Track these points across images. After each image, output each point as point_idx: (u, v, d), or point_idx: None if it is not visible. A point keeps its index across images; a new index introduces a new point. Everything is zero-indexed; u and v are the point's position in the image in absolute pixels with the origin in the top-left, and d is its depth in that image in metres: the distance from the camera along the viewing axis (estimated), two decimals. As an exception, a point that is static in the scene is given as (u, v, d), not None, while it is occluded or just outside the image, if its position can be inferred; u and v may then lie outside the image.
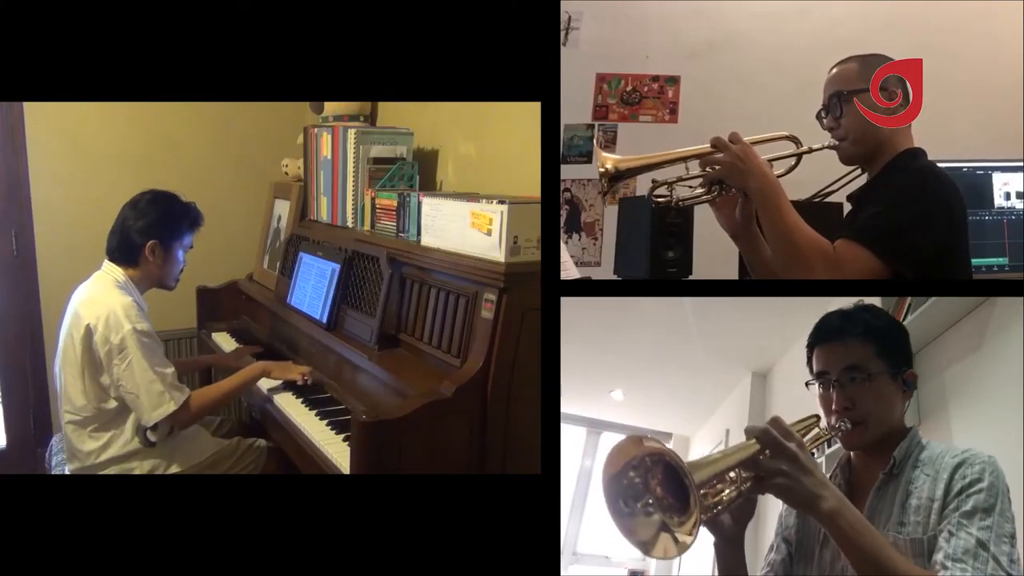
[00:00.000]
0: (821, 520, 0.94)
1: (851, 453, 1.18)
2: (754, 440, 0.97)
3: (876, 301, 1.85)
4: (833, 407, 1.14)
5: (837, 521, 0.92)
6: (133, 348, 1.90)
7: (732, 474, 0.98)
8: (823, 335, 1.17)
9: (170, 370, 1.96)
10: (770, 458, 0.95)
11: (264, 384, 2.21)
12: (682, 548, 0.89)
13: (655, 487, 0.91)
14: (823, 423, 1.18)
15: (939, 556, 0.95)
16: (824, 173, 1.66)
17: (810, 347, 1.19)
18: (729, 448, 0.98)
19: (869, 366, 1.12)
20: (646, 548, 0.92)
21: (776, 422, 0.98)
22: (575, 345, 1.84)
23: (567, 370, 1.49)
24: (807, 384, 1.19)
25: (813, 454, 1.15)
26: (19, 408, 3.08)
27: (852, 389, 1.12)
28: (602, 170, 1.51)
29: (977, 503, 0.97)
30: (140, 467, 2.00)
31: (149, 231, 2.04)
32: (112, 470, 1.99)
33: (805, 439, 1.16)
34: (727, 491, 0.97)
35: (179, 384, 1.97)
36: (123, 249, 2.05)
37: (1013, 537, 0.94)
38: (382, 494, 1.49)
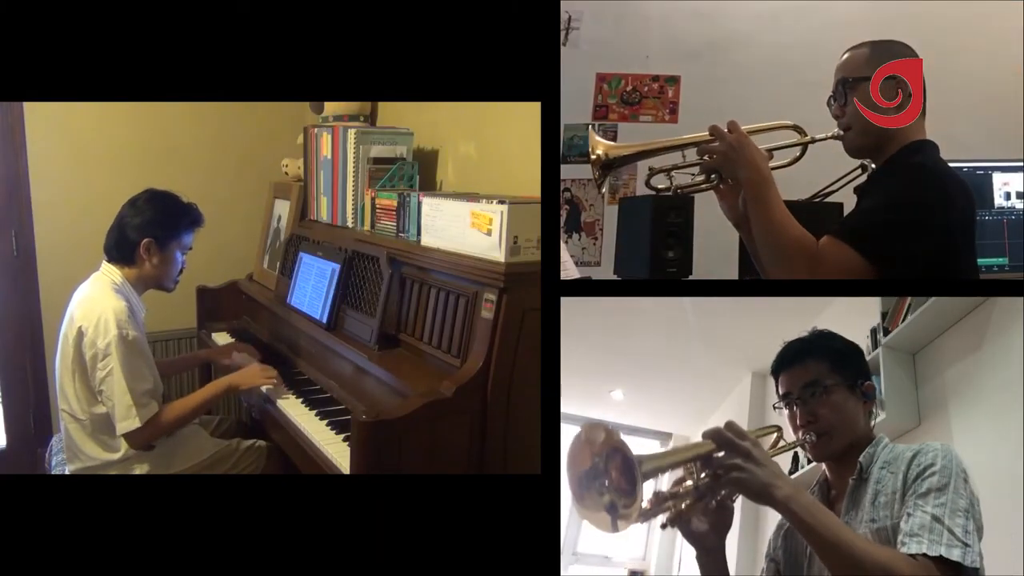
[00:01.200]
0: (777, 508, 0.98)
1: (825, 470, 1.23)
2: (709, 440, 1.02)
3: (876, 301, 1.86)
4: (798, 423, 1.20)
5: (791, 507, 0.96)
6: (115, 356, 1.89)
7: (689, 470, 1.03)
8: (784, 362, 1.23)
9: (146, 386, 1.93)
10: (725, 456, 1.00)
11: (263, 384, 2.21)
12: (621, 527, 0.95)
13: (611, 472, 0.96)
14: (789, 438, 1.24)
15: (900, 536, 1.00)
16: (825, 171, 1.65)
17: (774, 375, 1.25)
18: (684, 445, 1.02)
19: (825, 380, 1.18)
20: (593, 520, 0.97)
21: (730, 425, 1.02)
22: (575, 345, 1.84)
23: (567, 370, 1.49)
24: (774, 407, 1.25)
25: (797, 462, 1.16)
26: (19, 408, 3.08)
27: (812, 403, 1.18)
28: (593, 156, 1.49)
29: (931, 485, 1.02)
30: (140, 467, 2.01)
31: (145, 228, 2.03)
32: (112, 471, 1.99)
33: (767, 446, 1.24)
34: (685, 483, 1.03)
35: (148, 401, 1.93)
36: (119, 247, 2.04)
37: (967, 511, 0.99)
38: (382, 494, 1.49)
